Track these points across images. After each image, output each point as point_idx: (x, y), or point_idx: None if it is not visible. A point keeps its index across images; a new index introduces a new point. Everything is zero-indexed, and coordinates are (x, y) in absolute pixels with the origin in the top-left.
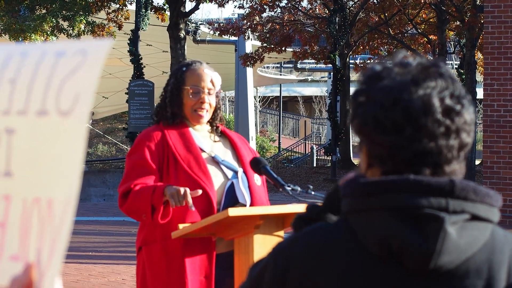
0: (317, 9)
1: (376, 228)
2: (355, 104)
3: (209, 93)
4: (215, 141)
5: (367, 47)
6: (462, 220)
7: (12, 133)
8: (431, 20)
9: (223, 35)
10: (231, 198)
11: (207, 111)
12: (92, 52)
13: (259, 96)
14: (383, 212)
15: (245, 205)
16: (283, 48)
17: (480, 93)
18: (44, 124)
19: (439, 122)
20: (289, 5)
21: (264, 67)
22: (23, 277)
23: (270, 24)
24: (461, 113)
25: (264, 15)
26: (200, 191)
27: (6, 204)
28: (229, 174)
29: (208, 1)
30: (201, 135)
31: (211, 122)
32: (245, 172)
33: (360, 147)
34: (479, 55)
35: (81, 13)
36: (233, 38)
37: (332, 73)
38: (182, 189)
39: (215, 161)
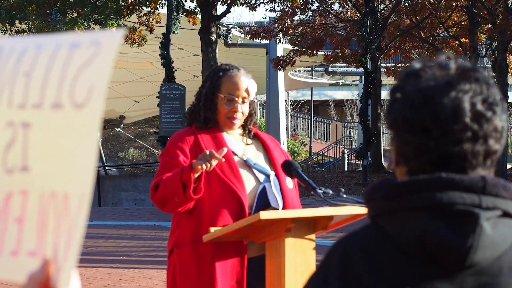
0: (348, 12)
1: (410, 227)
2: (390, 100)
3: (243, 102)
4: (247, 144)
5: (398, 50)
6: (494, 217)
7: (28, 127)
8: (462, 23)
9: (254, 39)
10: (263, 202)
11: (238, 119)
12: (105, 43)
13: (290, 100)
14: (417, 211)
15: (277, 209)
16: (314, 52)
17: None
18: (59, 117)
19: (466, 127)
20: (320, 8)
21: (295, 71)
22: (41, 273)
23: (302, 27)
24: (491, 119)
25: (296, 18)
26: (225, 149)
27: (23, 199)
28: (261, 177)
29: (239, 4)
30: (234, 138)
31: (244, 125)
32: (277, 175)
33: (392, 143)
34: (511, 58)
35: (113, 16)
36: (264, 41)
37: (363, 77)
38: (207, 151)
39: (247, 165)
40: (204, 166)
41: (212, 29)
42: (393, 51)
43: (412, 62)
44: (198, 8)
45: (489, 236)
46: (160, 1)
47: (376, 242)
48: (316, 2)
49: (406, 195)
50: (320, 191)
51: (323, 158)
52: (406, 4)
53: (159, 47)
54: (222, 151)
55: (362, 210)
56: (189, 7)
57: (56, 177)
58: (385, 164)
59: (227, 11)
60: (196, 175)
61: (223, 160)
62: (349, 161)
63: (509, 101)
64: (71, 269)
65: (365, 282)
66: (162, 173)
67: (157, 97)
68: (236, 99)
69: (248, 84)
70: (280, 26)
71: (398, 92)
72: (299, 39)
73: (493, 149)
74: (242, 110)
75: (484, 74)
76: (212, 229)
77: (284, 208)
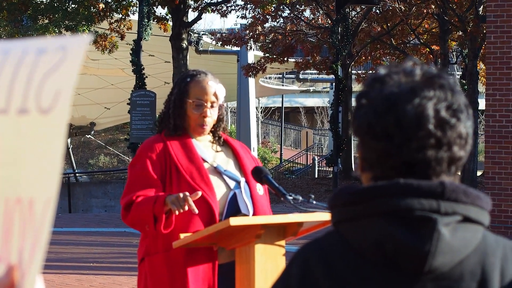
0: (319, 19)
1: (370, 233)
2: (356, 106)
3: (211, 106)
4: (217, 151)
5: (369, 57)
6: (454, 222)
7: None
8: (433, 30)
9: (225, 46)
10: (233, 209)
11: (207, 125)
12: (71, 48)
13: (261, 107)
14: (376, 217)
15: (247, 215)
16: (285, 59)
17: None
18: (25, 122)
19: (430, 134)
20: (291, 15)
21: (266, 78)
22: (5, 279)
23: (273, 34)
24: (455, 126)
25: (267, 25)
26: (200, 193)
27: None
28: (232, 184)
29: (210, 11)
30: (203, 145)
31: (213, 131)
32: (247, 181)
33: (357, 149)
34: (481, 65)
35: (84, 23)
36: (235, 48)
37: (334, 84)
38: (181, 194)
39: (217, 172)
40: (175, 210)
41: (183, 36)
42: (364, 58)
43: (378, 68)
44: (169, 15)
45: (447, 241)
46: (131, 8)
47: (336, 249)
48: (287, 9)
49: (365, 201)
50: (290, 197)
51: (294, 165)
52: (377, 11)
53: (130, 53)
54: (196, 195)
55: (330, 216)
56: (160, 13)
57: (21, 183)
58: (354, 170)
59: (198, 18)
60: (168, 208)
61: (196, 211)
62: (320, 168)
63: (479, 108)
64: (36, 274)
65: None
66: (132, 188)
67: (127, 103)
68: (205, 103)
69: (216, 88)
70: (251, 33)
71: (363, 98)
72: (270, 46)
73: (458, 155)
74: (211, 114)
75: (449, 80)
76: (182, 235)
77: (254, 214)
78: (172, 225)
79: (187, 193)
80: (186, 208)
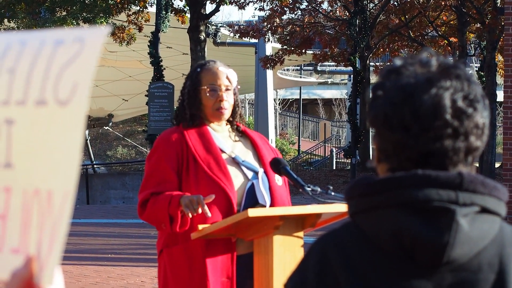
0: (337, 11)
1: (387, 225)
2: (372, 97)
3: (226, 90)
4: (235, 141)
5: (387, 49)
6: (472, 213)
7: (12, 124)
8: (451, 22)
9: (243, 38)
10: (251, 199)
11: (226, 108)
12: (89, 39)
13: (279, 99)
14: (394, 209)
15: (265, 206)
16: (303, 51)
17: (500, 95)
18: (43, 114)
19: (447, 124)
20: (309, 7)
21: (284, 70)
22: (24, 270)
23: (291, 26)
24: (472, 116)
25: (285, 17)
26: (213, 196)
27: (6, 196)
28: (250, 174)
29: (228, 3)
30: (221, 135)
31: (231, 121)
32: (266, 172)
33: (373, 140)
34: (499, 57)
35: (102, 15)
36: (253, 40)
37: (352, 76)
38: (195, 197)
39: (235, 162)
40: (188, 213)
41: (201, 28)
42: (382, 50)
43: (394, 59)
44: (187, 7)
45: (466, 232)
46: (149, 0)
47: (353, 240)
48: (305, 1)
49: (383, 192)
50: (309, 189)
51: (312, 156)
52: (395, 3)
53: (148, 45)
54: (210, 198)
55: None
56: (178, 5)
57: (39, 174)
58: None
59: (216, 10)
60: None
61: (209, 215)
62: (338, 160)
63: (497, 100)
64: (55, 266)
65: (341, 280)
66: (149, 182)
67: (145, 95)
68: (219, 87)
69: (227, 72)
70: (269, 25)
71: (379, 89)
72: (288, 38)
73: (474, 145)
74: (227, 98)
75: (465, 70)
76: (200, 227)
77: (272, 205)
78: (187, 224)
79: (201, 196)
80: (200, 211)
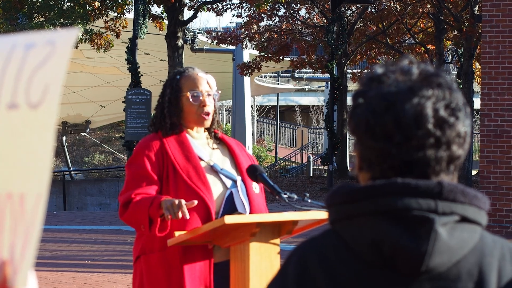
0: (315, 18)
1: (366, 233)
2: (353, 105)
3: (208, 95)
4: (213, 149)
5: (364, 56)
6: (451, 222)
7: None
8: (429, 29)
9: (220, 44)
10: (230, 207)
11: (209, 113)
12: (60, 42)
13: (256, 106)
14: (373, 217)
15: (244, 214)
16: (281, 57)
17: (477, 103)
18: (15, 117)
19: (429, 133)
20: (287, 14)
21: (262, 76)
22: None
23: (268, 33)
24: (454, 125)
25: (262, 24)
26: (195, 202)
27: None
28: (228, 183)
29: (206, 10)
30: (200, 143)
31: (209, 128)
32: (243, 179)
33: (354, 148)
34: (476, 65)
35: (79, 21)
36: (230, 47)
37: (329, 83)
38: (177, 201)
39: (214, 170)
40: (168, 216)
41: (179, 34)
42: (359, 57)
43: (375, 67)
44: (164, 13)
45: (445, 241)
46: (126, 6)
47: (333, 248)
48: (282, 8)
49: (362, 200)
50: (285, 196)
51: (289, 163)
52: (373, 10)
53: (126, 52)
54: (192, 203)
55: (326, 215)
56: (156, 12)
57: (12, 178)
58: (350, 169)
59: (194, 17)
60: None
61: (187, 217)
62: (315, 167)
63: (475, 107)
64: (28, 269)
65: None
66: (131, 186)
67: (123, 102)
68: (201, 93)
69: (207, 78)
70: (246, 32)
71: (360, 97)
72: (265, 44)
73: (456, 154)
74: (210, 103)
75: (447, 79)
76: (176, 233)
77: (251, 213)
78: (167, 229)
79: (183, 201)
80: (180, 215)
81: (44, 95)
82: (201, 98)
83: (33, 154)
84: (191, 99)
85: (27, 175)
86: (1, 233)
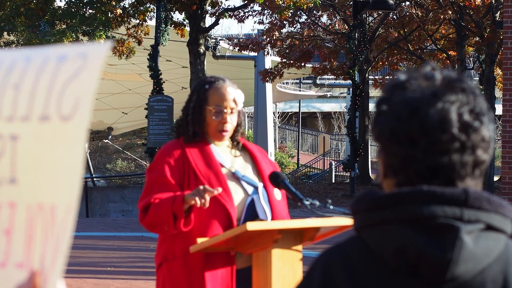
0: (336, 25)
1: (391, 240)
2: (377, 112)
3: (231, 112)
4: (235, 156)
5: (386, 62)
6: (477, 230)
7: (16, 139)
8: (450, 36)
9: (242, 51)
10: (251, 214)
11: (227, 131)
12: (92, 55)
13: (278, 112)
14: (399, 224)
15: (265, 221)
16: (303, 64)
17: (499, 109)
18: (47, 129)
19: (454, 138)
20: (308, 20)
21: (283, 83)
22: (28, 285)
23: (290, 39)
24: (478, 130)
25: (284, 30)
26: (220, 189)
27: (11, 211)
28: (250, 190)
29: (227, 16)
30: (221, 150)
31: (232, 137)
32: (265, 186)
33: (379, 155)
34: (498, 71)
35: (101, 28)
36: (252, 53)
37: (351, 89)
38: (201, 186)
39: (235, 177)
40: (197, 201)
41: (201, 41)
42: (381, 63)
43: (398, 74)
44: (186, 20)
45: (470, 249)
46: (148, 13)
47: (358, 255)
48: (304, 14)
49: (388, 208)
50: (307, 202)
51: (311, 170)
52: (394, 17)
53: (148, 59)
54: (217, 190)
55: (348, 221)
56: (178, 19)
57: (43, 189)
58: (372, 176)
59: (216, 23)
60: (187, 206)
61: (217, 192)
62: (337, 173)
63: (496, 113)
64: (58, 279)
65: None
66: (150, 192)
67: (145, 108)
68: (225, 110)
69: (235, 94)
70: (268, 39)
71: (384, 104)
72: (287, 51)
73: (481, 159)
74: (231, 120)
75: (470, 84)
76: (199, 240)
77: (272, 219)
78: (191, 223)
79: (206, 186)
80: (208, 198)
81: (76, 108)
82: (223, 115)
83: (64, 166)
84: (213, 114)
85: (58, 186)
86: (32, 244)
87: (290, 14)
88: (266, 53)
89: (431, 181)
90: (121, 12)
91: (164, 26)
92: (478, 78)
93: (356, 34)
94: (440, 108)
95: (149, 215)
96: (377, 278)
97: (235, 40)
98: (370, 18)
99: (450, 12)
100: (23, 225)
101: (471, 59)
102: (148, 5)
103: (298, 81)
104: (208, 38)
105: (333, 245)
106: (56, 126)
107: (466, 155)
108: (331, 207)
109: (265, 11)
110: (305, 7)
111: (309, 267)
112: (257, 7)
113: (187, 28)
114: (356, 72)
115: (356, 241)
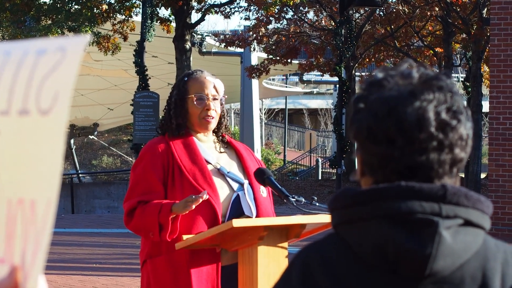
0: (323, 21)
1: (370, 236)
2: (354, 110)
3: (214, 99)
4: (220, 152)
5: (373, 59)
6: (455, 225)
7: None
8: (437, 32)
9: (228, 47)
10: (237, 211)
11: (213, 117)
12: (70, 48)
13: (265, 109)
14: (376, 220)
15: (250, 217)
16: (289, 60)
17: (486, 106)
18: (26, 123)
19: (432, 136)
20: (295, 17)
21: (270, 79)
22: (8, 280)
23: (276, 36)
24: (456, 128)
25: (270, 26)
26: (206, 196)
27: None
28: (235, 186)
29: (214, 12)
30: (207, 146)
31: (217, 131)
32: (250, 183)
33: (356, 153)
34: (485, 68)
35: (87, 24)
36: (238, 49)
37: (337, 86)
38: (189, 198)
39: (220, 173)
40: (184, 212)
41: (187, 37)
42: (367, 60)
43: (375, 71)
44: (172, 16)
45: (449, 244)
46: (134, 9)
47: (336, 251)
48: (291, 10)
49: (366, 204)
50: (293, 199)
51: (297, 166)
52: (381, 13)
53: (133, 55)
54: (204, 194)
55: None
56: (164, 15)
57: (23, 184)
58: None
59: (202, 19)
60: (173, 216)
61: (203, 199)
62: (323, 170)
63: (483, 110)
64: (38, 274)
65: None
66: (135, 189)
67: (131, 104)
68: (206, 96)
69: (214, 82)
70: (254, 35)
71: (361, 102)
72: (273, 47)
73: (459, 157)
74: (215, 107)
75: (447, 81)
76: (184, 237)
77: (257, 216)
78: (176, 232)
79: (193, 196)
80: (193, 207)
81: (55, 102)
82: (206, 101)
83: (44, 160)
84: (195, 102)
85: (37, 181)
86: (12, 239)
87: (277, 10)
88: (252, 49)
89: (408, 179)
90: (107, 7)
91: (150, 22)
92: (465, 75)
93: (343, 31)
94: (417, 107)
95: (134, 221)
96: (356, 275)
97: (221, 36)
98: (357, 15)
99: (437, 9)
100: (4, 220)
101: (458, 56)
102: (134, 1)
103: (284, 77)
104: (194, 34)
105: (311, 243)
106: (36, 120)
107: (443, 154)
108: (317, 204)
109: (251, 7)
110: (291, 3)
111: (288, 265)
112: (243, 3)
113: (173, 24)
114: (342, 68)
115: (334, 238)
